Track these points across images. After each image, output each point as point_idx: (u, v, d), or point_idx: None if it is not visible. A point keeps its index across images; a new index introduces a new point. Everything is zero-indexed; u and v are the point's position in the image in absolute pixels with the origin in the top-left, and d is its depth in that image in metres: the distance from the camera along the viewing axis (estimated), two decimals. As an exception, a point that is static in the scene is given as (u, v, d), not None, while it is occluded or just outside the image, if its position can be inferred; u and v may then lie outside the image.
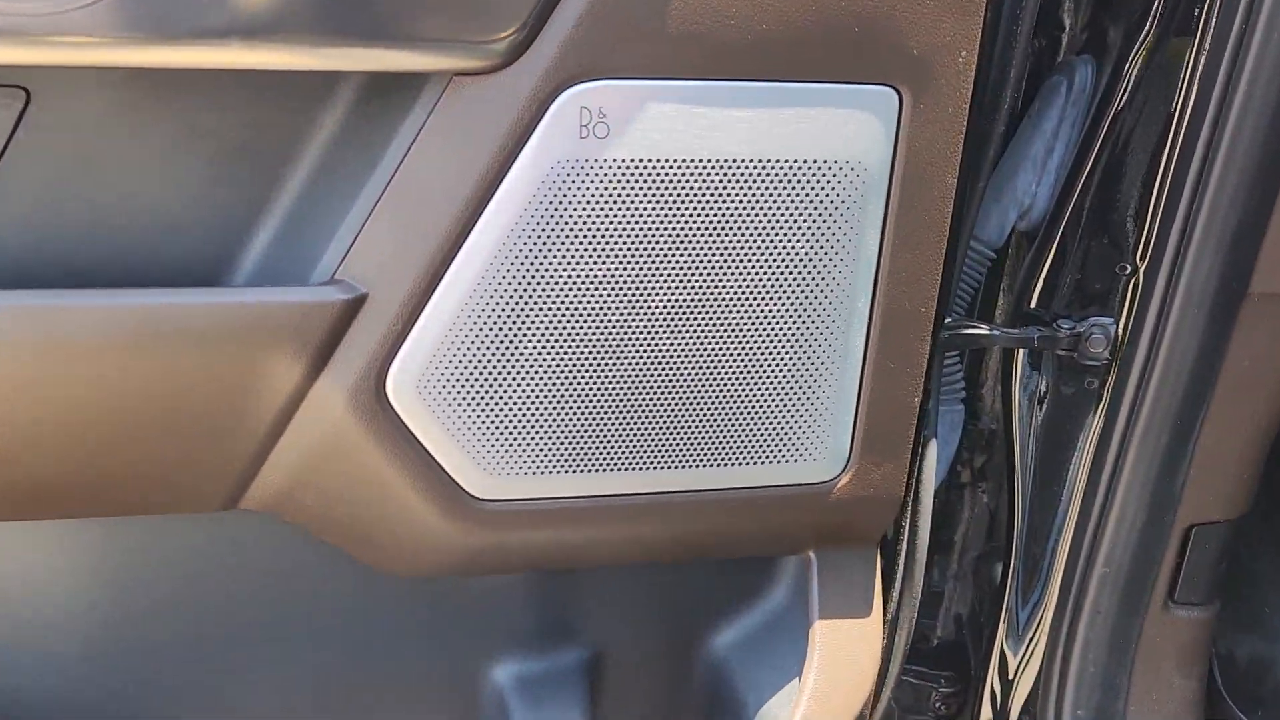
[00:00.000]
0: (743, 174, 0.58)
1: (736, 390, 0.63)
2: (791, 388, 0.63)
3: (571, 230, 0.57)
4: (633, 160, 0.57)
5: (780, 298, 0.61)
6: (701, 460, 0.64)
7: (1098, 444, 0.82)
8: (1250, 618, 0.97)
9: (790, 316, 0.62)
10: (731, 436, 0.64)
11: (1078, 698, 0.86)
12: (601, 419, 0.62)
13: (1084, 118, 0.82)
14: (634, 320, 0.60)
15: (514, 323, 0.59)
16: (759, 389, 0.63)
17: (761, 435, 0.64)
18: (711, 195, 0.58)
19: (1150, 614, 0.84)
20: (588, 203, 0.57)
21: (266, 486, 0.63)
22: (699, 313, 0.61)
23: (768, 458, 0.65)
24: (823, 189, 0.60)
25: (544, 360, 0.60)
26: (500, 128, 0.55)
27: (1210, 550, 0.83)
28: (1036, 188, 0.84)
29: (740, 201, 0.59)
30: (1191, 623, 0.85)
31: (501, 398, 0.60)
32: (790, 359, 0.62)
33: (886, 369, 0.64)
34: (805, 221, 0.60)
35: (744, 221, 0.59)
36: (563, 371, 0.60)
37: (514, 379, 0.60)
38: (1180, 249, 0.74)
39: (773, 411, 0.63)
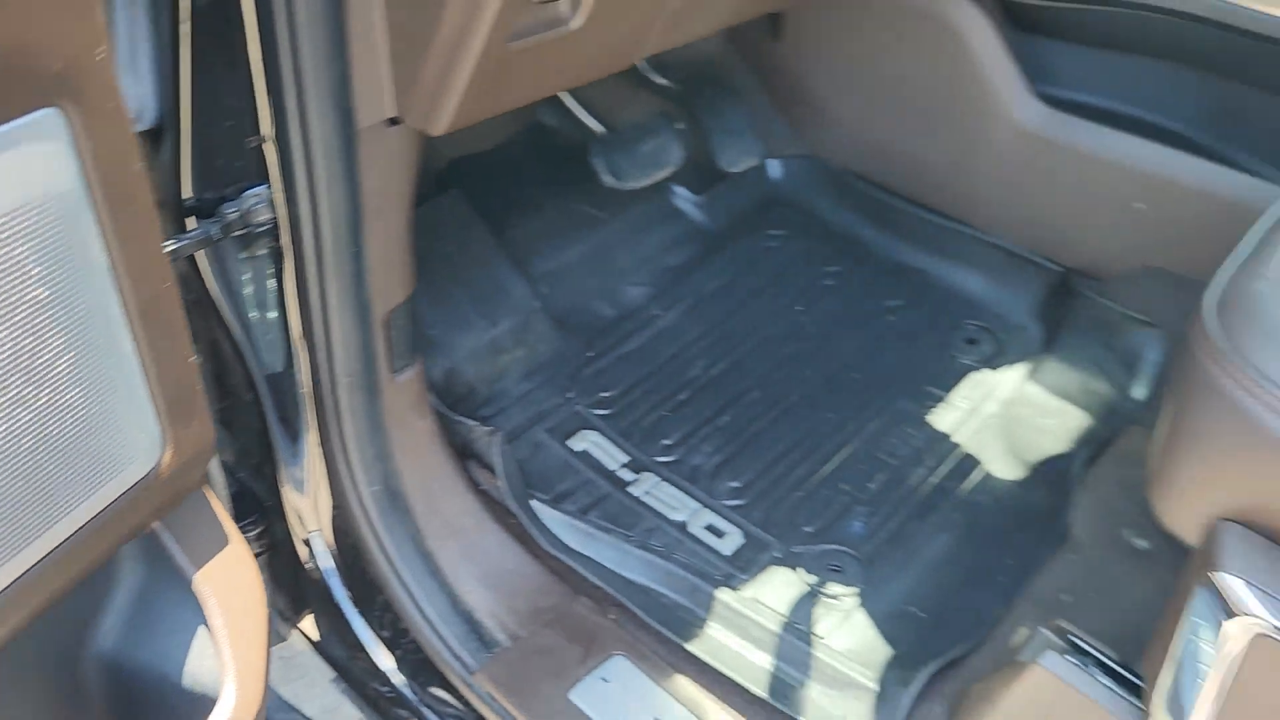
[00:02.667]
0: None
1: (36, 451, 0.61)
2: (90, 420, 0.63)
3: None
4: None
5: (39, 354, 0.59)
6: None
7: (300, 285, 0.94)
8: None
9: (58, 363, 0.60)
10: (40, 493, 0.62)
11: (364, 476, 1.05)
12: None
13: (149, 9, 0.83)
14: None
15: None
16: (59, 438, 0.61)
17: (78, 474, 0.63)
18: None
19: (387, 388, 1.04)
20: None
21: None
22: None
23: (94, 487, 0.65)
24: (24, 236, 0.57)
25: None
26: None
27: (404, 324, 1.03)
28: (141, 90, 0.86)
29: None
30: (413, 379, 1.07)
31: None
32: (76, 399, 0.62)
33: (163, 349, 0.66)
34: (25, 274, 0.57)
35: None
36: None
37: None
38: (300, 110, 0.84)
39: (85, 451, 0.63)
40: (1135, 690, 0.80)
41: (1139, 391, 1.24)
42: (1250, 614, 0.62)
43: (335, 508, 1.04)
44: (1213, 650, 0.65)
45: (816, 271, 1.46)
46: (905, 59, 1.36)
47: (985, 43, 1.29)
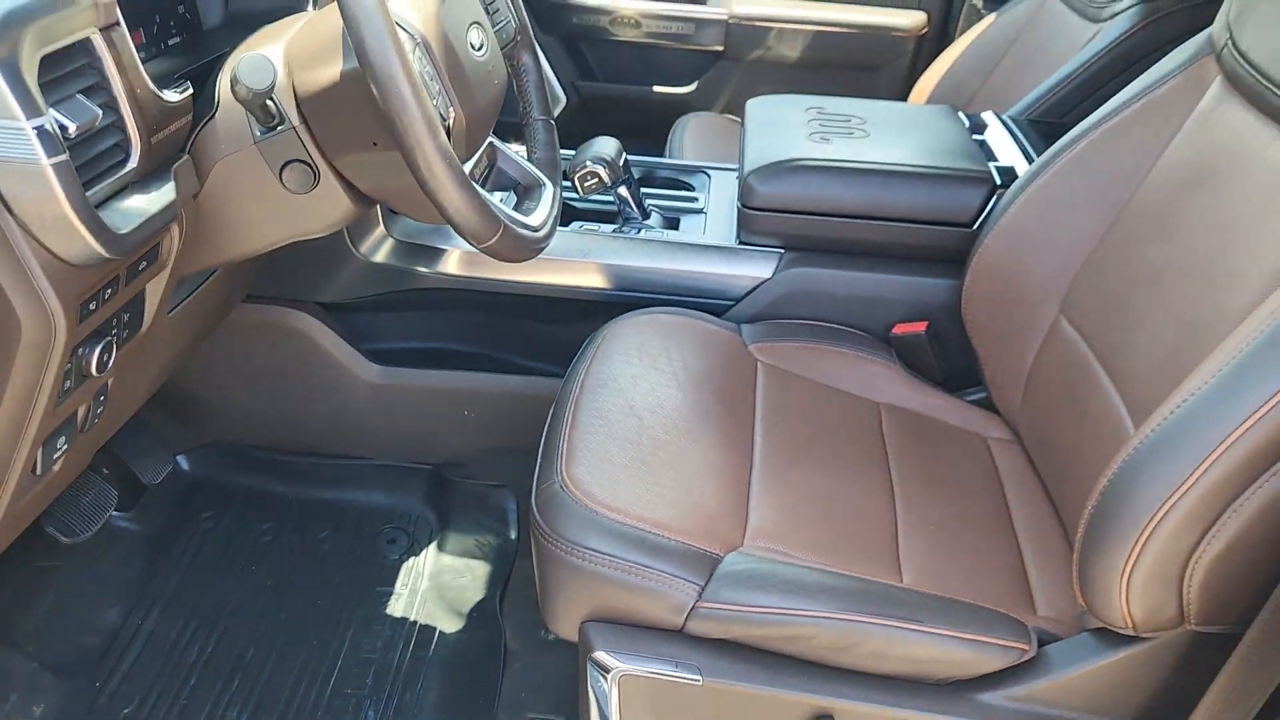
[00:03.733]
0: None
1: None
2: None
3: None
4: None
5: None
6: None
7: None
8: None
9: None
10: None
11: None
12: None
13: None
14: None
15: None
16: None
17: None
18: None
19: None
20: None
21: None
22: None
23: None
24: None
25: None
26: None
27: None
28: None
29: None
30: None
31: None
32: None
33: None
34: None
35: None
36: None
37: None
38: None
39: None
40: (582, 733, 1.31)
41: (513, 534, 1.79)
42: (614, 668, 1.14)
43: None
44: (607, 691, 1.17)
45: (254, 531, 1.79)
46: (272, 354, 1.76)
47: (321, 333, 1.74)
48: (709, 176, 1.94)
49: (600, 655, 1.15)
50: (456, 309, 1.79)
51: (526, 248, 1.18)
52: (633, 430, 1.33)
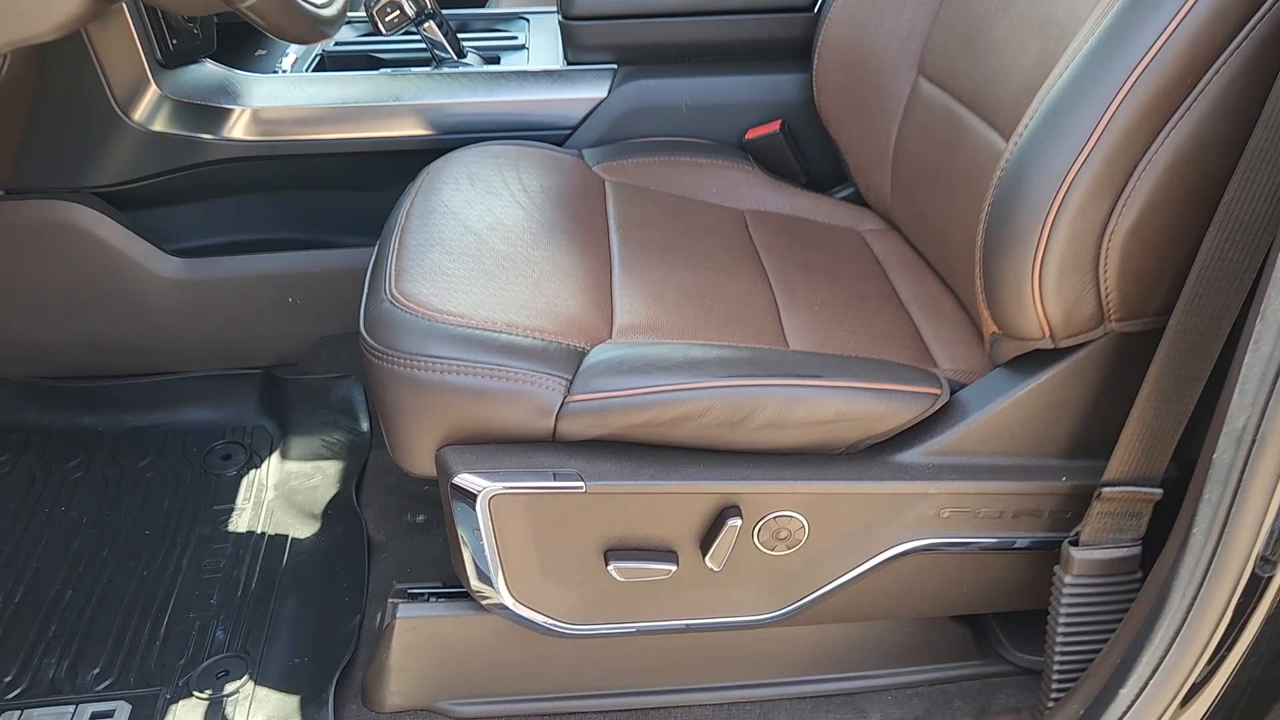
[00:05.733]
0: None
1: None
2: None
3: None
4: None
5: None
6: None
7: None
8: None
9: None
10: None
11: None
12: None
13: None
14: None
15: None
16: None
17: None
18: None
19: None
20: None
21: None
22: None
23: None
24: None
25: None
26: None
27: None
28: None
29: None
30: None
31: None
32: None
33: None
34: None
35: None
36: None
37: None
38: None
39: None
40: (463, 591, 1.13)
41: (365, 424, 1.60)
42: (481, 490, 0.97)
43: None
44: (476, 518, 1.00)
45: (59, 470, 1.55)
46: (48, 260, 1.51)
47: (104, 226, 1.50)
48: (528, 21, 1.77)
49: (463, 479, 0.98)
50: (261, 188, 1.58)
51: (305, 20, 0.99)
52: (471, 246, 1.16)
